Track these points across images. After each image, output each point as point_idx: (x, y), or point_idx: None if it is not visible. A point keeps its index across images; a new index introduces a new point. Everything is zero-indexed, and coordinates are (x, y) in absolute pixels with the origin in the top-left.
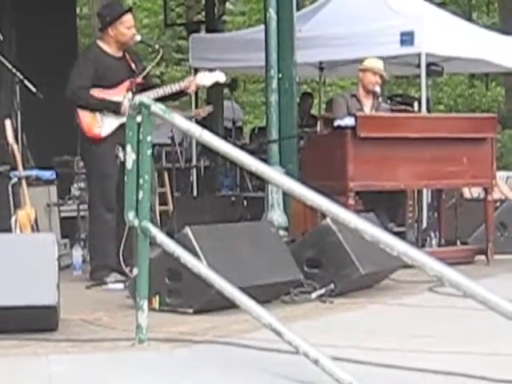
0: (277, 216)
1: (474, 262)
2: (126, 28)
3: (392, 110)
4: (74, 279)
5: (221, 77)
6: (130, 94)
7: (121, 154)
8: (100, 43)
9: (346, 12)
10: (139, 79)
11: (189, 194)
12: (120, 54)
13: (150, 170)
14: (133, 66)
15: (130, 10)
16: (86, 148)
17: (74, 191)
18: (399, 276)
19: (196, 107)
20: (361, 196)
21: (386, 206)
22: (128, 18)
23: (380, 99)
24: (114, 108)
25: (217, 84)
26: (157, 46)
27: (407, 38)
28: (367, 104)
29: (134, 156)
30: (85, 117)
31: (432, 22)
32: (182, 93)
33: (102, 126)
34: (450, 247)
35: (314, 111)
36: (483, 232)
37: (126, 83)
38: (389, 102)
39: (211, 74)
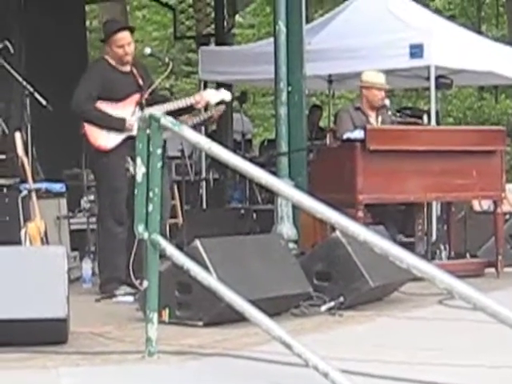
0: (286, 229)
1: (484, 274)
2: (117, 47)
3: (398, 123)
4: (83, 292)
5: (227, 95)
6: (138, 110)
7: (131, 167)
8: (107, 57)
9: (355, 25)
10: (147, 94)
11: (198, 207)
12: (127, 69)
13: (159, 182)
14: (140, 81)
15: (126, 28)
16: (95, 160)
17: (84, 204)
18: (409, 289)
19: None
20: (370, 209)
21: (395, 218)
22: (120, 37)
23: (389, 112)
24: (117, 125)
25: (223, 102)
26: (166, 60)
27: (416, 50)
28: (372, 115)
29: (143, 169)
30: (91, 128)
31: (441, 34)
32: (190, 108)
33: (109, 137)
34: (460, 260)
35: (322, 124)
36: (493, 245)
37: (133, 97)
38: (398, 114)
39: (217, 92)
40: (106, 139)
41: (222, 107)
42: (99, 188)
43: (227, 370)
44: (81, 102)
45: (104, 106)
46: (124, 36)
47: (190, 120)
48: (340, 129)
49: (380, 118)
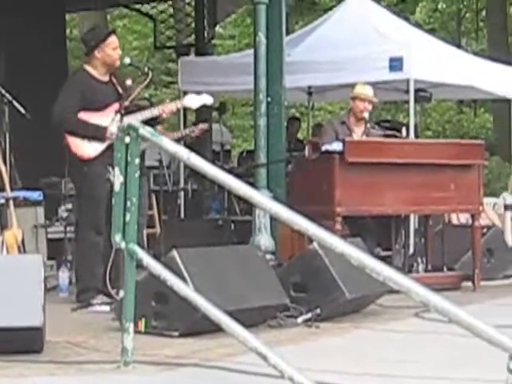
0: (264, 240)
1: (461, 287)
2: (112, 49)
3: (385, 135)
4: (60, 301)
5: (208, 99)
6: (117, 118)
7: (111, 177)
8: (87, 67)
9: (335, 37)
10: (127, 103)
11: (176, 217)
12: (107, 78)
13: (137, 192)
14: (119, 89)
15: (113, 31)
16: (76, 169)
17: (62, 213)
18: (385, 301)
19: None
20: (348, 221)
21: (372, 231)
22: (113, 40)
23: (368, 125)
24: (99, 134)
25: (204, 106)
26: (146, 69)
27: (396, 63)
28: (357, 131)
29: (121, 178)
30: (72, 138)
31: (421, 48)
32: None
33: (91, 146)
34: (437, 273)
35: (301, 135)
36: (470, 258)
37: (113, 106)
38: (377, 127)
39: (199, 97)
40: (88, 148)
41: (205, 125)
42: (79, 197)
43: (203, 381)
44: (61, 113)
45: (84, 116)
46: (115, 39)
47: (170, 135)
48: (323, 138)
49: (365, 136)
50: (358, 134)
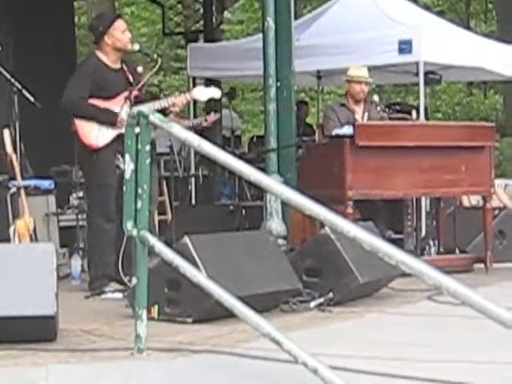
0: (275, 225)
1: (473, 270)
2: (121, 32)
3: (390, 118)
4: (72, 289)
5: (216, 93)
6: (127, 106)
7: (121, 165)
8: (98, 54)
9: (343, 21)
10: (136, 91)
11: (187, 203)
12: (118, 66)
13: (148, 179)
14: (130, 77)
15: (119, 15)
16: (85, 157)
17: (73, 201)
18: (398, 285)
19: (194, 117)
20: (359, 205)
21: (384, 214)
22: (120, 23)
23: (379, 108)
24: (111, 119)
25: (212, 99)
26: (155, 56)
27: (405, 46)
28: (358, 111)
29: (132, 166)
30: (82, 126)
31: (430, 30)
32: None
33: (100, 135)
34: (449, 255)
35: (311, 119)
36: (482, 240)
37: (124, 94)
38: (387, 110)
39: (207, 90)
40: (97, 137)
41: (217, 115)
42: (88, 185)
43: (216, 367)
44: (72, 98)
45: (95, 103)
46: (122, 22)
47: (182, 122)
48: (326, 125)
49: (367, 114)
50: (359, 113)
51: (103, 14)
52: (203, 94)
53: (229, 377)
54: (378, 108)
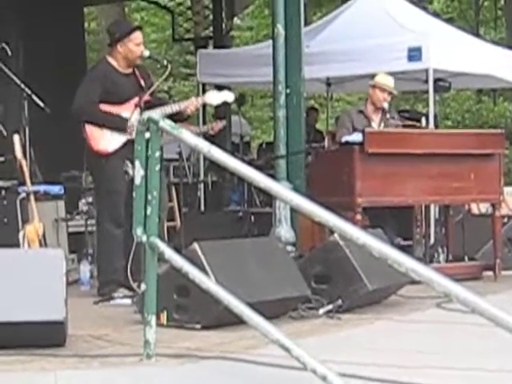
0: (284, 231)
1: (482, 277)
2: (135, 45)
3: (403, 126)
4: (81, 294)
5: (229, 96)
6: (137, 112)
7: (130, 170)
8: (109, 59)
9: (353, 28)
10: (146, 96)
11: (196, 210)
12: (129, 71)
13: (158, 185)
14: (142, 82)
15: (139, 27)
16: (95, 163)
17: (82, 206)
18: (407, 292)
19: (204, 123)
20: (368, 212)
21: (393, 221)
22: (137, 35)
23: (388, 115)
24: (121, 124)
25: (225, 103)
26: (165, 62)
27: (415, 53)
28: (375, 119)
29: (142, 172)
30: (92, 131)
31: (439, 37)
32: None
33: (110, 140)
34: (458, 263)
35: (319, 126)
36: (491, 248)
37: (135, 100)
38: (396, 116)
39: (220, 94)
40: (106, 142)
41: (223, 123)
42: (98, 190)
43: (225, 373)
44: (83, 104)
45: (105, 109)
46: (140, 35)
47: (191, 128)
48: (339, 131)
49: (383, 124)
50: (375, 122)
51: (123, 22)
52: (216, 97)
53: (237, 383)
54: (388, 115)
